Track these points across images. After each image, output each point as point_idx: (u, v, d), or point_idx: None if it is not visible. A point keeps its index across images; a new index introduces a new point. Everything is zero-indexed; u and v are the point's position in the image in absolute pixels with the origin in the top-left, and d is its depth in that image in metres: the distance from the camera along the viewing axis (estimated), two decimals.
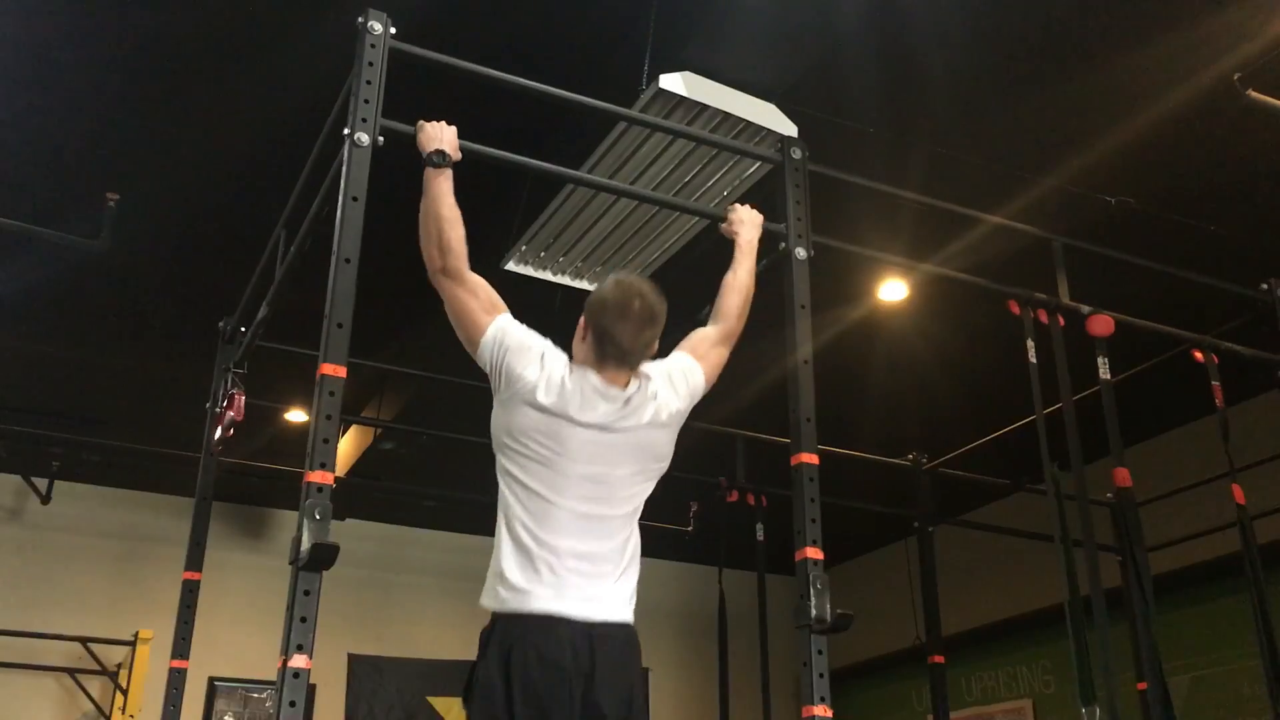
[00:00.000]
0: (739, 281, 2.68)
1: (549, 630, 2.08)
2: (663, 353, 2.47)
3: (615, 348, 2.26)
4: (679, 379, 2.39)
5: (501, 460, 2.25)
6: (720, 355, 2.54)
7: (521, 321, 2.33)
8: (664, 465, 2.35)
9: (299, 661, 1.97)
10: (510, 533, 2.18)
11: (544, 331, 2.34)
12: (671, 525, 5.64)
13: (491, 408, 2.29)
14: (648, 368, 2.36)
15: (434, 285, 2.30)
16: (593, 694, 2.07)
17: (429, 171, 2.36)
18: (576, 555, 2.15)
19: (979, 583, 7.02)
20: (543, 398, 2.20)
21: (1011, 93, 3.84)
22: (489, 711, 2.06)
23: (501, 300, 2.32)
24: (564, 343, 2.34)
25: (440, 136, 2.41)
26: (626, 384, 2.29)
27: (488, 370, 2.27)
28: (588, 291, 2.40)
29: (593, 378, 2.25)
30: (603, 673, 2.09)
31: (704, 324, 2.63)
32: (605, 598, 2.16)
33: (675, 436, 2.37)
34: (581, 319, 2.32)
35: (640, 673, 2.20)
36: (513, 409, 2.22)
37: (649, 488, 2.33)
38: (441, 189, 2.33)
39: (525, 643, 2.07)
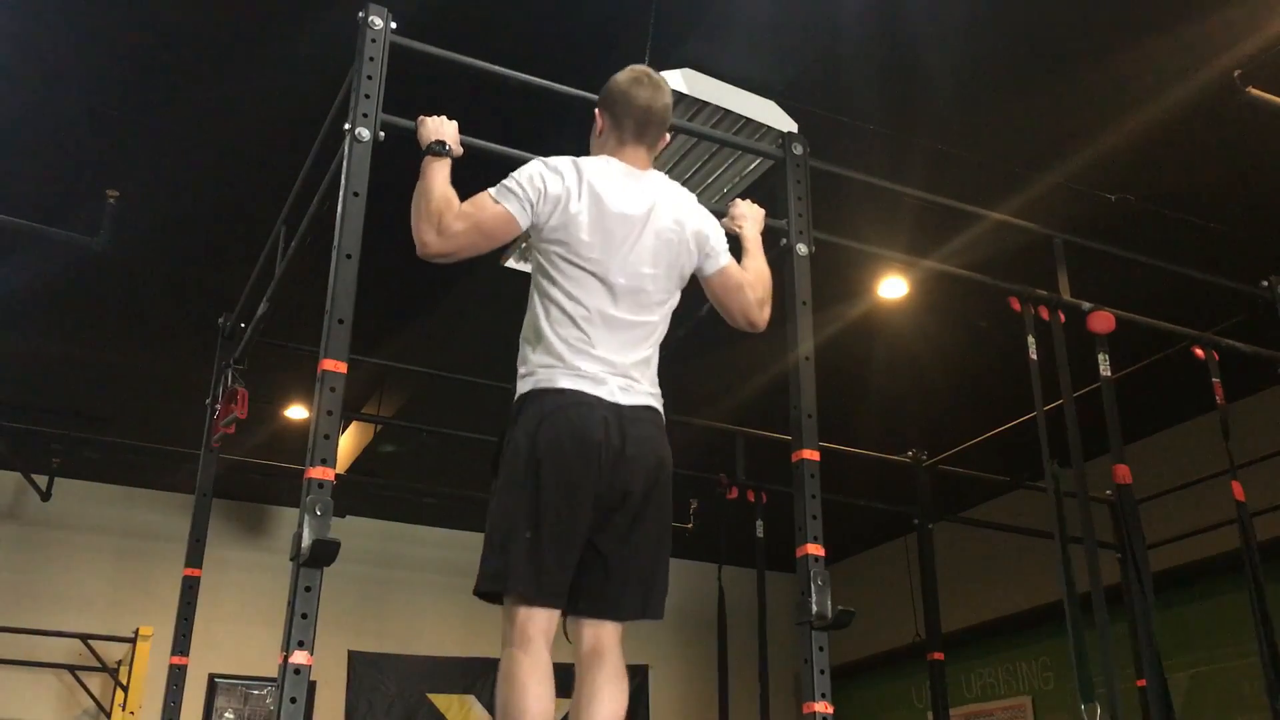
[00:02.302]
0: (754, 275, 2.57)
1: (580, 404, 2.15)
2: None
3: (633, 115, 2.37)
4: (707, 223, 2.43)
5: (539, 265, 2.29)
6: (735, 300, 2.46)
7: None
8: (683, 280, 2.40)
9: (300, 658, 1.97)
10: (538, 331, 2.23)
11: None
12: (671, 522, 5.64)
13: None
14: (681, 190, 2.44)
15: (433, 259, 2.26)
16: (621, 467, 2.14)
17: (429, 158, 2.36)
18: (608, 361, 2.21)
19: (979, 580, 7.02)
20: (573, 191, 2.24)
21: (1012, 90, 3.84)
22: (516, 477, 2.12)
23: (489, 191, 2.29)
24: None
25: (441, 131, 2.41)
26: (647, 169, 2.37)
27: (537, 220, 2.25)
28: None
29: (615, 163, 2.34)
30: (632, 449, 2.16)
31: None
32: (634, 389, 2.23)
33: (691, 266, 2.40)
34: (596, 113, 2.44)
35: (667, 452, 2.26)
36: (552, 219, 2.25)
37: (672, 302, 2.37)
38: (440, 173, 2.33)
39: (557, 414, 2.13)
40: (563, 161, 2.31)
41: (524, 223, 2.26)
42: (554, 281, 2.25)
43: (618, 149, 2.38)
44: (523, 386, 2.22)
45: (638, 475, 2.16)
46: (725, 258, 2.46)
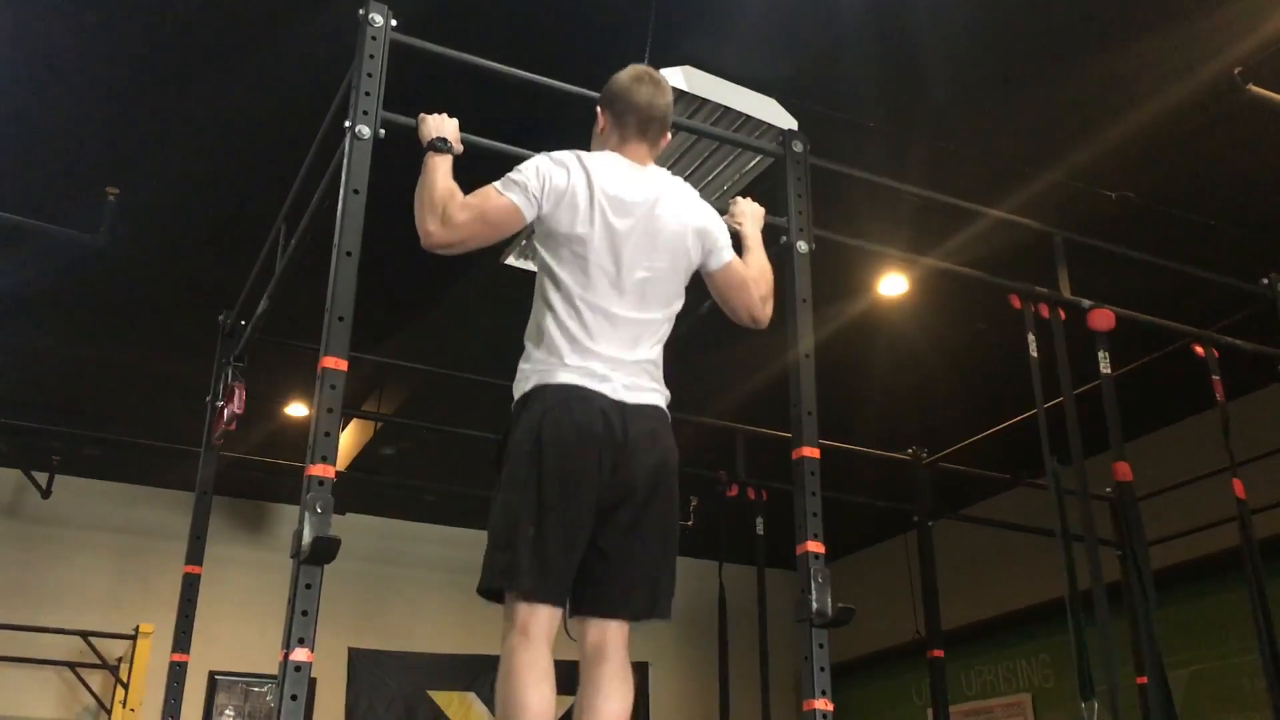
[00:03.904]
0: (757, 272, 2.61)
1: (583, 400, 2.14)
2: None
3: (635, 112, 2.38)
4: (710, 219, 2.44)
5: (543, 262, 2.29)
6: (740, 297, 2.48)
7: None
8: (687, 276, 2.40)
9: (300, 655, 1.97)
10: (543, 329, 2.22)
11: None
12: (677, 522, 5.63)
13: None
14: (684, 185, 2.45)
15: (436, 250, 2.28)
16: (624, 462, 2.13)
17: (430, 154, 2.37)
18: (613, 359, 2.20)
19: (979, 577, 7.02)
20: (577, 185, 2.25)
21: (1012, 87, 3.83)
22: (518, 474, 2.11)
23: (493, 184, 2.30)
24: None
25: (442, 128, 2.42)
26: (648, 165, 2.38)
27: (542, 213, 2.26)
28: None
29: (618, 158, 2.35)
30: (634, 443, 2.15)
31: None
32: (639, 387, 2.22)
33: (696, 262, 2.40)
34: (597, 110, 2.45)
35: (672, 448, 2.24)
36: (556, 213, 2.25)
37: (677, 301, 2.37)
38: (442, 167, 2.34)
39: (560, 409, 2.12)
40: (568, 156, 2.32)
41: (529, 215, 2.27)
42: (557, 278, 2.25)
43: (620, 146, 2.40)
44: (524, 383, 2.21)
45: (640, 471, 2.15)
46: (729, 254, 2.47)
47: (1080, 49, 3.65)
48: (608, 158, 2.35)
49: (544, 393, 2.16)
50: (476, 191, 2.29)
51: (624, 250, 2.26)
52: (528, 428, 2.14)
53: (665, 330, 2.35)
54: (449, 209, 2.24)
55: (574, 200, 2.25)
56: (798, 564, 2.48)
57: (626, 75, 2.43)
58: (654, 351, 2.30)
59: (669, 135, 2.49)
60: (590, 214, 2.25)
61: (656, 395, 2.26)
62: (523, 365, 2.25)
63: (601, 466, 2.11)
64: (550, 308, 2.24)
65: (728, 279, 2.47)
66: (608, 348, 2.21)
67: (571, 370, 2.17)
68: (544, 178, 2.27)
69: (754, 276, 2.53)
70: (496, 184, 2.29)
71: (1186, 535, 5.29)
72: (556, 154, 2.33)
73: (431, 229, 2.24)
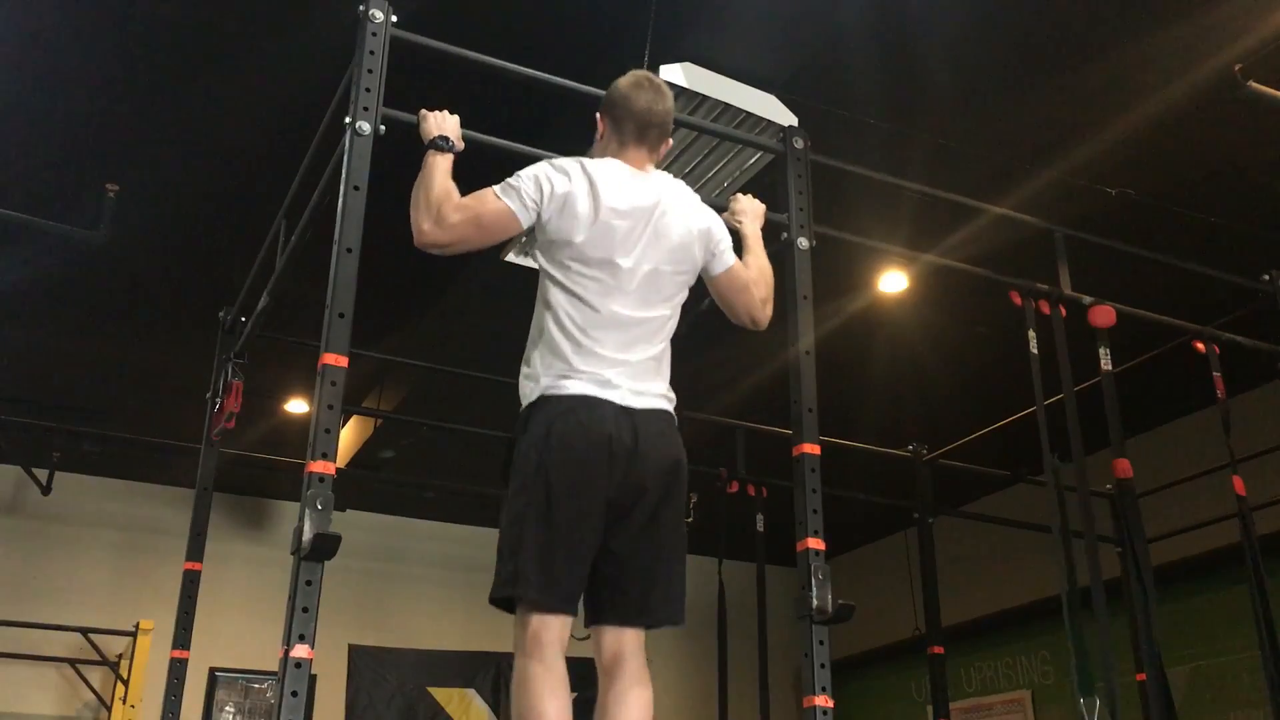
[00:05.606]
0: (757, 273, 2.62)
1: (592, 407, 2.13)
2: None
3: (633, 119, 2.36)
4: (713, 222, 2.43)
5: (545, 268, 2.28)
6: (741, 299, 2.48)
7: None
8: (692, 277, 2.40)
9: (301, 652, 1.97)
10: (547, 333, 2.21)
11: None
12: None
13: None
14: (685, 188, 2.44)
15: (429, 249, 2.27)
16: (635, 466, 2.12)
17: (431, 153, 2.37)
18: (618, 361, 2.19)
19: (978, 574, 7.03)
20: (578, 191, 2.24)
21: (1013, 84, 3.83)
22: (526, 483, 2.10)
23: (493, 187, 2.30)
24: None
25: (442, 125, 2.42)
26: (649, 170, 2.37)
27: (538, 219, 2.25)
28: None
29: (619, 165, 2.33)
30: (645, 447, 2.14)
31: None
32: (646, 393, 2.21)
33: (698, 261, 2.39)
34: (597, 118, 2.43)
35: (682, 452, 2.23)
36: (557, 220, 2.24)
37: (681, 296, 2.37)
38: (441, 166, 2.34)
39: (567, 416, 2.12)
40: (569, 162, 2.31)
41: (524, 221, 2.26)
42: (559, 283, 2.24)
43: (619, 152, 2.38)
44: (530, 392, 2.20)
45: (652, 473, 2.14)
46: (731, 257, 2.47)
47: (1081, 46, 3.65)
48: (609, 165, 2.33)
49: (550, 402, 2.15)
50: (474, 194, 2.28)
51: (627, 255, 2.25)
52: (534, 437, 2.13)
53: (672, 325, 2.34)
54: (444, 209, 2.24)
55: (575, 207, 2.23)
56: (798, 561, 2.48)
57: (626, 81, 2.42)
58: (660, 348, 2.29)
59: (670, 141, 2.47)
60: (593, 220, 2.23)
61: (663, 400, 2.25)
62: (526, 369, 2.24)
63: (612, 470, 2.10)
64: (552, 311, 2.23)
65: (730, 282, 2.47)
66: (612, 350, 2.20)
67: (577, 377, 2.16)
68: (545, 184, 2.25)
69: (754, 279, 2.52)
70: (495, 188, 2.28)
71: (1186, 532, 5.29)
72: (558, 160, 2.33)
73: (425, 228, 2.24)
